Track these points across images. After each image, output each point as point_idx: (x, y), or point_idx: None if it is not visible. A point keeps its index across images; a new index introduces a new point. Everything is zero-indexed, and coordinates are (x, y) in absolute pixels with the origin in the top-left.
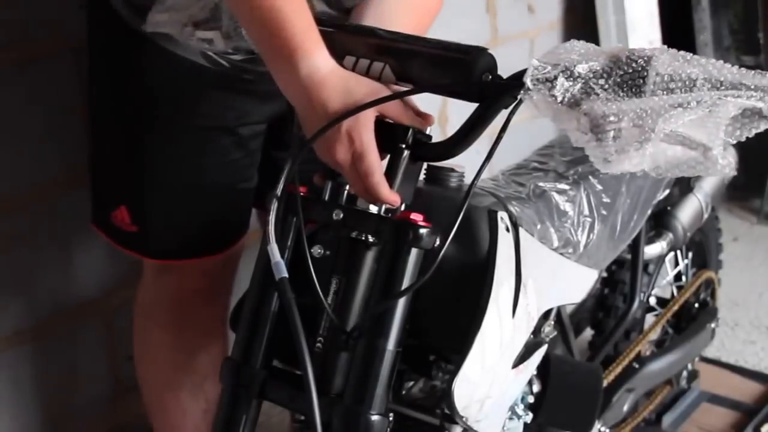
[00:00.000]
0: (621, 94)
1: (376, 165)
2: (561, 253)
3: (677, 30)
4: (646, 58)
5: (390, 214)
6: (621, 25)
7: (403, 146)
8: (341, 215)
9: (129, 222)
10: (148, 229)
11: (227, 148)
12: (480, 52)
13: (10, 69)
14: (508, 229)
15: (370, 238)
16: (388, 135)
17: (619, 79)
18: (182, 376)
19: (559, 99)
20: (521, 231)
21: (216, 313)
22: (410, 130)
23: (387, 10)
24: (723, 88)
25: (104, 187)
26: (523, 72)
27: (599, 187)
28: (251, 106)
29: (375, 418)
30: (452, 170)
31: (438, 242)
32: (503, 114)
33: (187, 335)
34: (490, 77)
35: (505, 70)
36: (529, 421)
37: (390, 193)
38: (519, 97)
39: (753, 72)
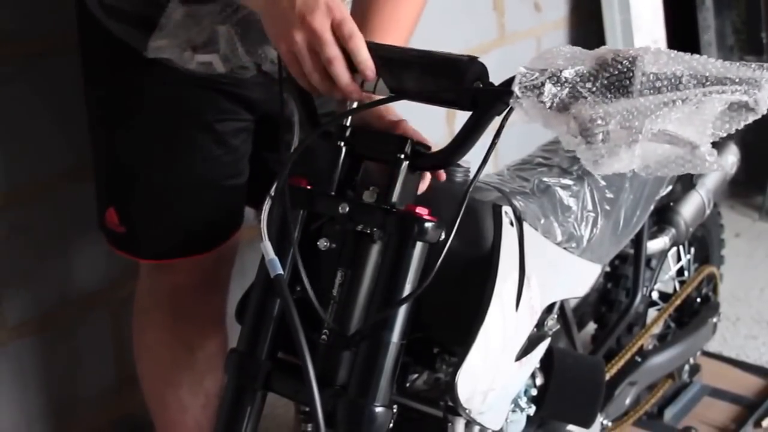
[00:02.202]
0: (608, 96)
1: (357, 30)
2: (564, 248)
3: (681, 29)
4: (631, 59)
5: (395, 209)
6: (626, 23)
7: (402, 156)
8: (347, 209)
9: (117, 223)
10: (135, 229)
11: (206, 145)
12: (470, 61)
13: (19, 63)
14: (512, 224)
15: (376, 232)
16: (387, 146)
17: (606, 81)
18: (181, 372)
19: (548, 104)
20: (525, 225)
21: (212, 309)
22: (408, 141)
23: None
24: (708, 83)
25: (97, 189)
26: (512, 79)
27: (603, 182)
28: (227, 104)
29: (379, 409)
30: (458, 165)
31: (443, 236)
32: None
33: (183, 332)
34: (481, 85)
35: (512, 68)
36: (532, 414)
37: (368, 57)
38: (509, 99)
39: (737, 64)
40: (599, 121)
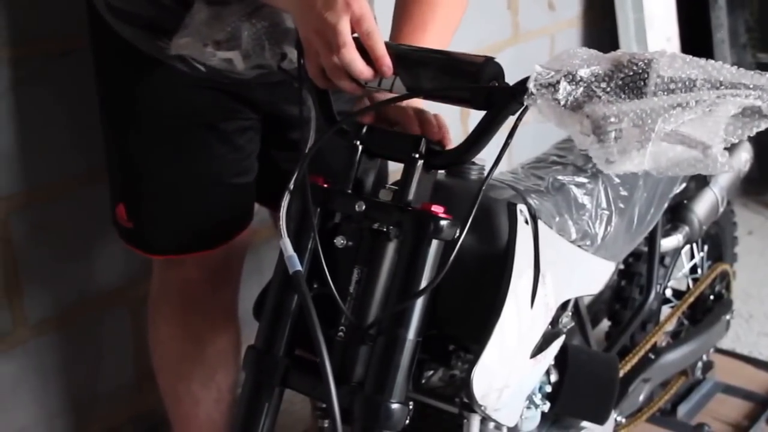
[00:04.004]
0: (623, 96)
1: (376, 28)
2: (579, 246)
3: (694, 27)
4: (646, 61)
5: (411, 207)
6: (639, 22)
7: (417, 156)
8: (363, 207)
9: (126, 219)
10: (143, 225)
11: (211, 143)
12: (487, 61)
13: (40, 63)
14: (527, 222)
15: (392, 230)
16: (402, 145)
17: (620, 82)
18: (192, 366)
19: (562, 102)
20: (540, 223)
21: (222, 305)
22: (423, 140)
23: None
24: (722, 87)
25: (110, 185)
26: (527, 79)
27: (617, 180)
28: (232, 103)
29: (395, 406)
30: (473, 163)
31: (458, 234)
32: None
33: (194, 327)
34: (497, 85)
35: (526, 67)
36: (546, 410)
37: (386, 54)
38: (524, 103)
39: (752, 72)
40: (612, 119)
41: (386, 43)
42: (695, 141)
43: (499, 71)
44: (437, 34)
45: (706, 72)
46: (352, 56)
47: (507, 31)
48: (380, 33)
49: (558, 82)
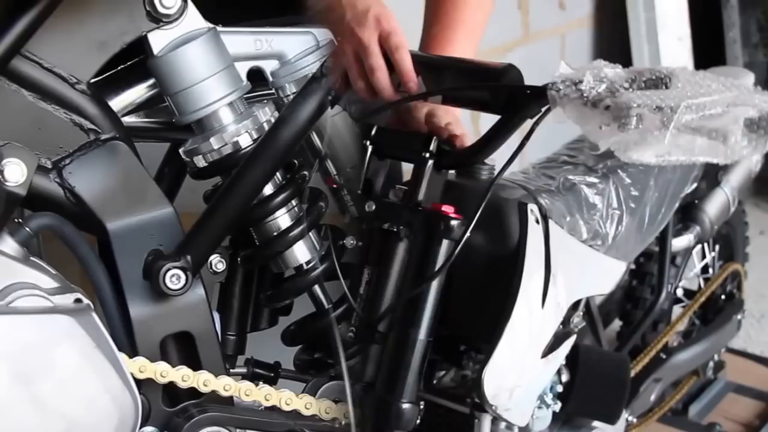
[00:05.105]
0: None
1: (405, 42)
2: (590, 245)
3: (706, 27)
4: (668, 70)
5: (421, 207)
6: (651, 21)
7: (428, 155)
8: (373, 207)
9: None
10: None
11: None
12: (507, 67)
13: None
14: (538, 221)
15: (402, 230)
16: (413, 145)
17: (642, 85)
18: None
19: (586, 94)
20: (551, 223)
21: None
22: (434, 139)
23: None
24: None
25: None
26: (545, 85)
27: (628, 180)
28: None
29: (406, 406)
30: (483, 163)
31: (469, 234)
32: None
33: None
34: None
35: (537, 66)
36: (557, 410)
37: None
38: (548, 99)
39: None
40: (634, 105)
41: (411, 53)
42: (714, 130)
43: (518, 77)
44: (466, 33)
45: (725, 86)
46: (385, 83)
47: (517, 31)
48: (407, 49)
49: (582, 79)
